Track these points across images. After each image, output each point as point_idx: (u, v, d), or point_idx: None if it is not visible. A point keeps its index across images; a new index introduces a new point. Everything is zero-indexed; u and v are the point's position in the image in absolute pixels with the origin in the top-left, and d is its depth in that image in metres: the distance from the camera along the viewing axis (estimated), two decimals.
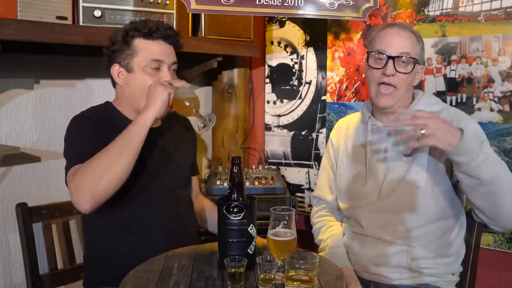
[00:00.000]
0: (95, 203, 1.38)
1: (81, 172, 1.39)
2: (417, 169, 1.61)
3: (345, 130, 1.85)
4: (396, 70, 1.60)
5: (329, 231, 1.81)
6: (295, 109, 2.77)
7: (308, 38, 2.69)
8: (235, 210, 1.32)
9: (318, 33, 2.64)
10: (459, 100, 2.18)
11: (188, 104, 1.53)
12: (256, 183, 2.38)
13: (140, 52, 1.57)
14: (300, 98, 2.74)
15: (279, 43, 2.80)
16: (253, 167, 2.65)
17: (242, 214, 1.32)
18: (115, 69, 1.60)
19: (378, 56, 1.62)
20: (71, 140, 1.55)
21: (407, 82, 1.63)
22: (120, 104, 1.66)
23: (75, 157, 1.46)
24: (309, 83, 2.70)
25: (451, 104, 2.18)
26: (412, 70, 1.61)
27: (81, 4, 1.83)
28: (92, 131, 1.53)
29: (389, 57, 1.60)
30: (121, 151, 1.40)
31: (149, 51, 1.57)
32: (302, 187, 2.78)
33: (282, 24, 2.78)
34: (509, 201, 1.46)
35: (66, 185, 1.48)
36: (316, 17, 2.06)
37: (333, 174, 1.86)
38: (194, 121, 1.66)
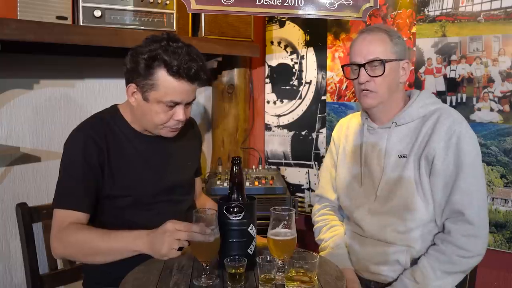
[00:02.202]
0: (62, 258, 1.72)
1: (64, 237, 1.47)
2: (410, 170, 1.61)
3: (345, 129, 1.86)
4: (370, 76, 1.61)
5: (330, 231, 1.81)
6: (295, 109, 2.77)
7: (308, 38, 2.69)
8: (235, 210, 1.32)
9: (318, 33, 2.64)
10: (459, 100, 2.18)
11: (196, 251, 1.34)
12: (256, 183, 2.38)
13: (161, 88, 1.47)
14: (300, 98, 2.74)
15: (279, 43, 2.80)
16: (253, 167, 2.65)
17: (242, 214, 1.32)
18: (130, 88, 1.52)
19: (351, 67, 1.67)
20: (62, 172, 1.54)
21: (386, 82, 1.62)
22: (128, 113, 1.62)
23: (61, 197, 1.52)
24: (309, 83, 2.70)
25: (450, 104, 2.18)
26: (384, 72, 1.60)
27: (81, 4, 1.83)
28: (83, 171, 1.50)
29: (359, 66, 1.62)
30: (101, 252, 1.45)
31: (171, 90, 1.47)
32: (302, 187, 2.78)
33: (282, 24, 2.78)
34: None
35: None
36: (316, 17, 2.06)
37: (335, 173, 1.86)
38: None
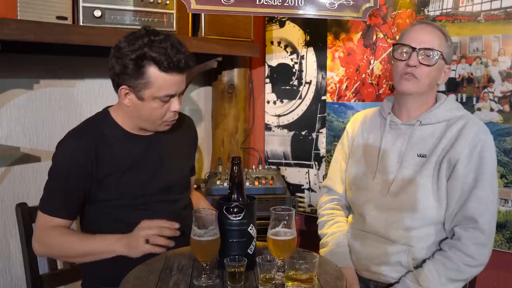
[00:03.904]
0: (45, 256, 1.71)
1: (46, 239, 1.54)
2: (428, 170, 1.62)
3: (362, 122, 1.86)
4: (420, 63, 1.61)
5: (334, 226, 1.81)
6: (295, 109, 2.77)
7: (308, 38, 2.69)
8: (235, 210, 1.32)
9: (318, 33, 2.64)
10: (459, 100, 2.18)
11: (196, 251, 1.35)
12: (256, 183, 2.38)
13: (155, 85, 1.48)
14: (300, 98, 2.74)
15: (279, 43, 2.80)
16: (253, 167, 2.65)
17: (242, 214, 1.32)
18: (123, 91, 1.52)
19: (403, 49, 1.65)
20: (48, 178, 1.57)
21: (431, 76, 1.63)
22: (120, 115, 1.61)
23: (44, 202, 1.57)
24: (309, 83, 2.70)
25: None
26: (435, 64, 1.61)
27: (81, 4, 1.83)
28: (67, 180, 1.53)
29: (413, 49, 1.62)
30: (81, 254, 1.53)
31: (164, 85, 1.49)
32: (302, 187, 2.78)
33: (282, 24, 2.78)
34: None
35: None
36: (316, 17, 2.06)
37: (346, 166, 1.87)
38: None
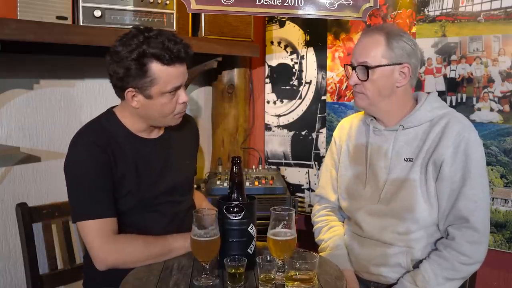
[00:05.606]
0: (111, 268, 1.48)
1: (119, 245, 1.47)
2: (416, 174, 1.61)
3: (347, 129, 1.85)
4: (360, 79, 1.63)
5: (330, 231, 1.81)
6: (295, 109, 2.77)
7: (308, 38, 2.69)
8: (235, 210, 1.32)
9: (318, 33, 2.64)
10: (459, 100, 2.18)
11: (196, 251, 1.35)
12: (256, 183, 2.38)
13: (160, 80, 1.48)
14: (300, 98, 2.74)
15: (279, 43, 2.80)
16: (253, 167, 2.65)
17: (242, 214, 1.32)
18: (129, 93, 1.50)
19: (347, 68, 1.71)
20: (79, 185, 1.50)
21: (377, 86, 1.62)
22: (127, 117, 1.60)
23: (88, 208, 1.49)
24: (309, 83, 2.70)
25: (450, 104, 2.18)
26: (368, 78, 1.60)
27: (81, 4, 1.83)
28: (102, 178, 1.50)
29: (353, 68, 1.64)
30: (161, 254, 1.49)
31: (169, 78, 1.49)
32: (302, 187, 2.78)
33: (282, 24, 2.78)
34: None
35: (75, 223, 1.53)
36: (316, 17, 2.06)
37: (336, 173, 1.86)
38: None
